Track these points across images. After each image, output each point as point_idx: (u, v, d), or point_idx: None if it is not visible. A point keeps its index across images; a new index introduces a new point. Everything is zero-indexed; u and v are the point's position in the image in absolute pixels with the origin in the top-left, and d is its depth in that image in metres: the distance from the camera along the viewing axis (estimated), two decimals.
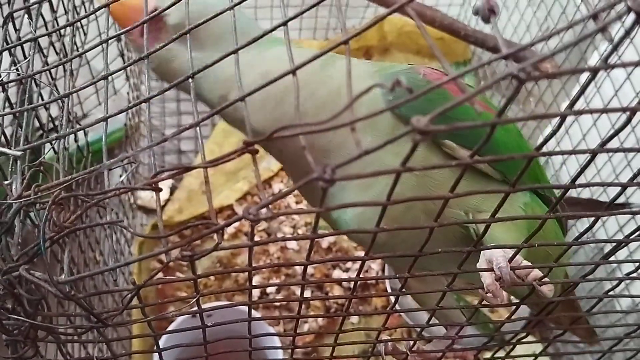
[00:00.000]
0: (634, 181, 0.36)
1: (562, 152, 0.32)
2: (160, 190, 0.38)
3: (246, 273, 1.18)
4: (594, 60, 1.04)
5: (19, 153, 0.43)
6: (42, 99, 0.66)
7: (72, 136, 0.72)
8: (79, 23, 0.74)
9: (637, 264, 0.47)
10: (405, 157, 0.32)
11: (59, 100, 0.64)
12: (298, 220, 1.21)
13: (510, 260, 0.44)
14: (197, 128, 0.38)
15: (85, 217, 0.52)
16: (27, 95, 0.49)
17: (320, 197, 0.34)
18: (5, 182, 0.45)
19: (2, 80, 0.48)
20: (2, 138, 0.51)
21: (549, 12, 1.16)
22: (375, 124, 0.53)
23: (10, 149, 0.49)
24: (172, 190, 1.27)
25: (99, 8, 0.47)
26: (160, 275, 1.13)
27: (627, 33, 0.25)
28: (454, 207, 0.54)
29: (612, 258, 0.49)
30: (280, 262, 1.12)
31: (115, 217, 0.97)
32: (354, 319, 1.12)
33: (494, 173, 0.54)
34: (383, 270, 1.11)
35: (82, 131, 0.81)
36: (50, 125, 0.69)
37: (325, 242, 1.20)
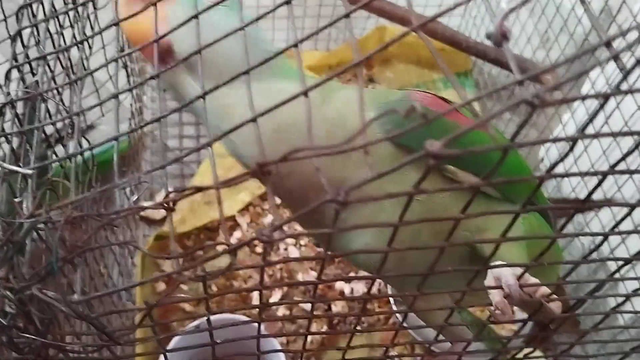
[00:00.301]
0: None
1: (571, 174, 0.33)
2: (173, 210, 0.38)
3: (250, 284, 1.17)
4: (594, 73, 1.04)
5: (30, 171, 0.44)
6: (49, 112, 0.66)
7: (77, 148, 0.72)
8: (84, 36, 0.74)
9: None
10: (417, 181, 0.32)
11: (65, 113, 0.64)
12: (298, 229, 1.21)
13: (519, 278, 0.45)
14: (210, 148, 0.39)
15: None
16: (37, 114, 0.49)
17: (333, 218, 0.34)
18: (16, 200, 0.45)
19: (11, 98, 0.48)
20: (11, 155, 0.51)
21: (550, 24, 1.17)
22: (372, 155, 0.52)
23: (20, 166, 0.49)
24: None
25: (111, 25, 0.47)
26: (164, 287, 1.13)
27: (639, 62, 0.26)
28: (460, 229, 0.54)
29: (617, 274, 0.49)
30: (290, 281, 1.12)
31: (122, 231, 0.97)
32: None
33: (494, 193, 0.55)
34: (386, 285, 1.12)
35: (85, 138, 0.81)
36: (56, 136, 0.69)
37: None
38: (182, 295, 0.36)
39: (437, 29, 1.24)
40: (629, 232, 0.42)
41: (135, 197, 0.42)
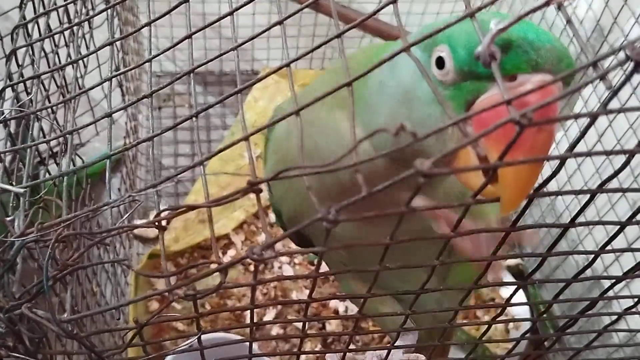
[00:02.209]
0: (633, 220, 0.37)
1: (564, 193, 0.33)
2: (165, 229, 0.38)
3: (244, 302, 1.17)
4: (586, 92, 1.05)
5: (22, 190, 0.44)
6: (43, 130, 0.66)
7: (69, 162, 0.72)
8: (79, 55, 0.75)
9: (636, 299, 0.47)
10: (409, 199, 0.32)
11: (59, 131, 0.64)
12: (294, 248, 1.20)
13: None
14: (201, 167, 0.39)
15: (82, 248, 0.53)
16: (30, 132, 0.49)
17: (324, 237, 0.34)
18: (7, 219, 0.45)
19: (4, 117, 0.48)
20: (4, 173, 0.51)
21: None
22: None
23: (12, 184, 0.49)
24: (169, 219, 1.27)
25: (106, 45, 0.47)
26: (157, 306, 1.13)
27: (626, 80, 0.26)
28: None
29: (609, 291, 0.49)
30: (283, 299, 1.12)
31: (113, 249, 0.97)
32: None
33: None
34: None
35: (78, 156, 0.81)
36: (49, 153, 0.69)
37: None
38: (174, 314, 0.36)
39: None
40: (619, 250, 0.42)
41: (126, 216, 0.42)
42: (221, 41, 1.46)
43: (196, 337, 0.42)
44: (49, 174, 0.67)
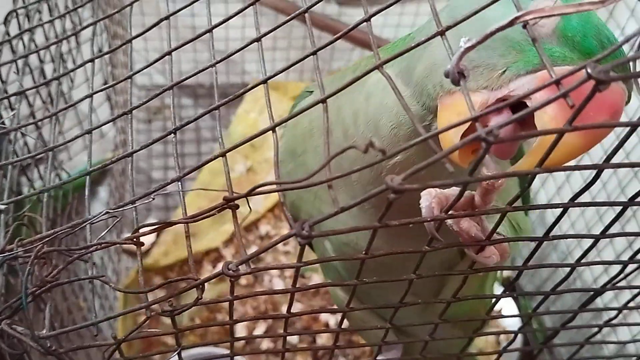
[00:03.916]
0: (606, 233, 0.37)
1: (536, 207, 0.33)
2: (142, 244, 0.38)
3: (234, 316, 1.17)
4: None
5: (3, 207, 0.44)
6: (27, 144, 0.67)
7: (54, 175, 0.73)
8: (65, 69, 0.75)
9: (616, 311, 0.48)
10: (381, 214, 0.32)
11: (43, 144, 0.65)
12: (285, 262, 1.20)
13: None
14: (179, 182, 0.39)
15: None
16: (12, 149, 0.49)
17: (298, 253, 0.34)
18: None
19: None
20: None
21: None
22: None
23: None
24: (158, 232, 1.27)
25: (90, 60, 0.48)
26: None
27: (588, 99, 0.26)
28: None
29: (593, 304, 0.49)
30: (265, 314, 1.12)
31: (100, 262, 0.97)
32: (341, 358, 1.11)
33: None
34: None
35: (64, 169, 0.82)
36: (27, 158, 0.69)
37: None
38: (157, 330, 0.36)
39: None
40: (601, 263, 0.42)
41: (105, 231, 0.42)
42: (212, 54, 1.46)
43: (176, 352, 0.42)
44: (33, 187, 0.67)
